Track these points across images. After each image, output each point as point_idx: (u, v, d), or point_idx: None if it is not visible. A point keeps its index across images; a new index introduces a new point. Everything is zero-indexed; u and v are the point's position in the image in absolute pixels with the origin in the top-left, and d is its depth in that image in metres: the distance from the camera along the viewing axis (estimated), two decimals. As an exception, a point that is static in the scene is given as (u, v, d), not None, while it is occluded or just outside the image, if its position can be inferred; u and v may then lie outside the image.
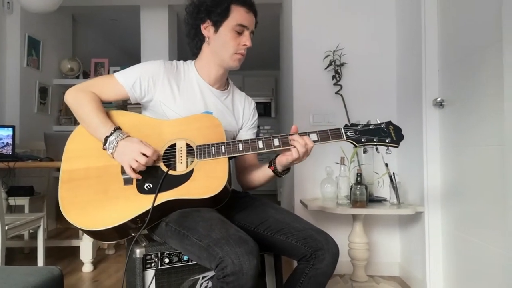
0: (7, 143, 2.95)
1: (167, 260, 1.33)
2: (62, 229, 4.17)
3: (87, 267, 2.80)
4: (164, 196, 1.27)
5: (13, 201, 3.12)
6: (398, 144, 1.35)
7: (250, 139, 1.34)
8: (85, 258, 2.78)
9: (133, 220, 1.26)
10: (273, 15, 4.35)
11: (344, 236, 2.37)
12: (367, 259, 2.38)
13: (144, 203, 1.27)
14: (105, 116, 1.36)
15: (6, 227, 2.21)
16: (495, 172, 1.70)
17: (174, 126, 1.39)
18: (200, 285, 1.37)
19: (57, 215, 4.17)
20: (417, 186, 2.40)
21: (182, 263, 1.35)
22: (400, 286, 2.41)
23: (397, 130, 1.37)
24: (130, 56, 6.00)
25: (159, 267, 1.32)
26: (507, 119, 1.55)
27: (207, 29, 1.46)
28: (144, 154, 1.27)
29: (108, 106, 3.53)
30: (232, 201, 1.42)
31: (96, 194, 1.29)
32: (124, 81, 1.41)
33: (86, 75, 4.59)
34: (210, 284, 1.38)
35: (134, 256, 1.31)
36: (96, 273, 2.79)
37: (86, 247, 2.77)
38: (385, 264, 2.76)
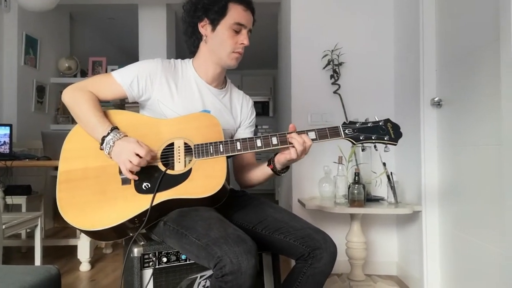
0: (5, 142, 2.94)
1: (165, 259, 1.33)
2: (60, 228, 4.16)
3: (85, 266, 2.79)
4: (162, 196, 1.27)
5: (10, 200, 3.11)
6: (397, 142, 1.35)
7: (248, 138, 1.34)
8: (82, 257, 2.77)
9: (131, 220, 1.26)
10: (272, 14, 4.34)
11: (342, 236, 2.37)
12: (364, 258, 2.38)
13: (142, 203, 1.26)
14: (102, 116, 1.35)
15: (3, 226, 2.20)
16: (492, 172, 1.71)
17: (172, 125, 1.39)
18: (198, 284, 1.37)
19: (55, 214, 4.16)
20: (414, 186, 2.41)
21: (180, 262, 1.35)
22: (397, 285, 2.42)
23: (396, 127, 1.36)
24: (128, 55, 5.98)
25: (157, 266, 1.32)
26: (504, 118, 1.55)
27: (204, 28, 1.46)
28: (138, 155, 1.26)
29: (106, 105, 3.53)
30: (231, 200, 1.42)
31: (94, 194, 1.29)
32: (122, 80, 1.41)
33: (84, 74, 4.57)
34: (208, 283, 1.38)
35: (132, 255, 1.30)
36: (93, 272, 2.78)
37: (83, 246, 2.76)
38: (382, 263, 2.76)
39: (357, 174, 2.23)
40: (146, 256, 1.31)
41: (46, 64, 4.38)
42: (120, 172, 1.30)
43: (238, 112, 1.60)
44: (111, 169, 1.31)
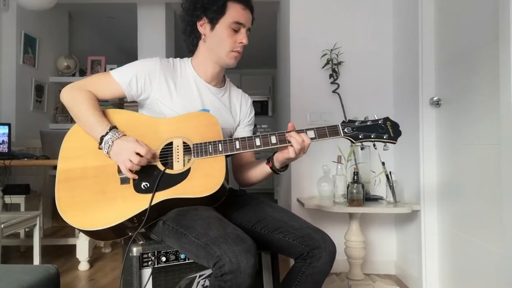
0: (3, 141, 2.93)
1: (164, 259, 1.33)
2: (58, 227, 4.15)
3: (84, 266, 2.79)
4: (161, 195, 1.27)
5: (8, 199, 3.11)
6: (396, 140, 1.34)
7: (247, 137, 1.33)
8: (81, 257, 2.77)
9: (130, 220, 1.25)
10: (271, 13, 4.34)
11: (340, 235, 2.37)
12: (363, 257, 2.39)
13: (141, 202, 1.26)
14: (101, 115, 1.35)
15: (2, 226, 2.20)
16: (491, 171, 1.71)
17: (171, 124, 1.38)
18: (197, 284, 1.37)
19: (53, 213, 4.15)
20: (413, 185, 2.41)
21: (179, 262, 1.35)
22: (396, 285, 2.42)
23: (395, 126, 1.36)
24: (127, 54, 5.97)
25: (156, 266, 1.32)
26: (503, 118, 1.55)
27: (203, 26, 1.45)
28: (138, 154, 1.26)
29: (104, 104, 3.53)
30: (230, 200, 1.42)
31: (93, 194, 1.29)
32: (120, 79, 1.40)
33: (83, 73, 4.57)
34: (207, 283, 1.37)
35: (131, 254, 1.30)
36: (92, 271, 2.78)
37: (82, 246, 2.76)
38: (381, 263, 2.76)
39: (356, 173, 2.24)
40: (145, 256, 1.31)
41: (45, 63, 4.37)
42: (119, 172, 1.30)
43: (237, 110, 1.59)
44: (110, 169, 1.31)
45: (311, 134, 1.33)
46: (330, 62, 2.73)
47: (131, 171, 1.27)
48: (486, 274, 1.77)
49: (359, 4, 2.81)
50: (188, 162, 1.32)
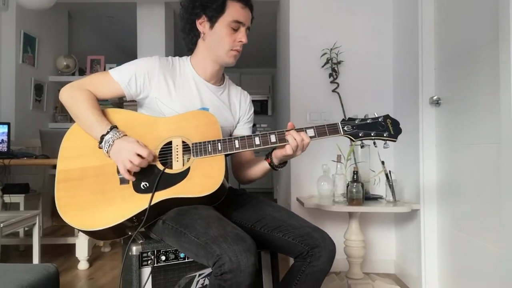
0: (2, 140, 2.93)
1: (163, 258, 1.33)
2: (58, 226, 4.15)
3: (83, 265, 2.79)
4: (161, 195, 1.26)
5: (8, 198, 3.11)
6: (396, 138, 1.34)
7: (247, 136, 1.33)
8: (80, 256, 2.77)
9: (130, 220, 1.25)
10: (270, 12, 4.34)
11: (340, 234, 2.37)
12: (363, 256, 2.39)
13: (140, 202, 1.26)
14: (101, 114, 1.34)
15: (1, 225, 2.20)
16: (490, 170, 1.71)
17: (170, 123, 1.38)
18: (197, 283, 1.37)
19: (53, 212, 4.15)
20: (413, 184, 2.41)
21: (178, 261, 1.35)
22: (395, 284, 2.42)
23: (395, 123, 1.35)
24: (126, 53, 5.97)
25: (155, 265, 1.32)
26: (502, 117, 1.55)
27: (202, 25, 1.45)
28: (139, 155, 1.26)
29: (104, 104, 3.52)
30: (230, 199, 1.41)
31: (93, 194, 1.28)
32: (120, 78, 1.40)
33: (82, 72, 4.56)
34: (206, 282, 1.38)
35: (130, 253, 1.30)
36: (91, 270, 2.78)
37: (81, 245, 2.76)
38: (380, 262, 2.77)
39: (355, 172, 2.24)
40: (145, 255, 1.31)
41: (44, 63, 4.37)
42: (118, 171, 1.30)
43: (237, 108, 1.59)
44: (110, 168, 1.31)
45: (311, 132, 1.32)
46: (330, 61, 2.73)
47: (129, 172, 1.27)
48: (485, 273, 1.77)
49: (359, 3, 2.81)
50: (187, 161, 1.31)
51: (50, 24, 4.49)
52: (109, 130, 1.29)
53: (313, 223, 1.37)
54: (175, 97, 1.44)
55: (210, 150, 1.30)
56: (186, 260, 1.36)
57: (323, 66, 2.77)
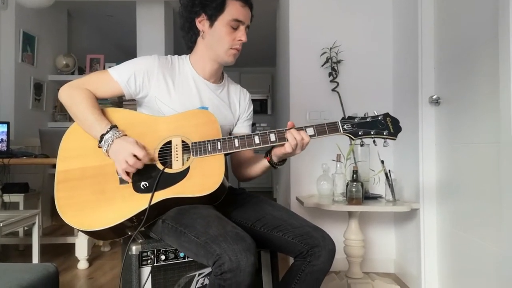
0: (2, 139, 2.93)
1: (163, 257, 1.33)
2: (57, 226, 4.15)
3: (83, 264, 2.79)
4: (160, 195, 1.26)
5: (7, 198, 3.11)
6: (396, 136, 1.34)
7: (246, 135, 1.33)
8: (80, 255, 2.77)
9: (130, 220, 1.25)
10: (270, 11, 4.34)
11: (339, 233, 2.37)
12: (362, 256, 2.39)
13: (140, 202, 1.26)
14: (100, 114, 1.34)
15: (1, 224, 2.20)
16: (490, 169, 1.71)
17: (170, 122, 1.38)
18: (196, 282, 1.37)
19: (52, 212, 4.15)
20: (412, 183, 2.41)
21: (178, 260, 1.35)
22: (395, 283, 2.42)
23: (395, 122, 1.35)
24: (126, 52, 5.96)
25: (155, 264, 1.32)
26: (502, 116, 1.55)
27: (202, 23, 1.44)
28: (135, 156, 1.25)
29: (103, 103, 3.52)
30: (229, 198, 1.42)
31: (93, 194, 1.28)
32: (119, 77, 1.40)
33: (82, 71, 4.56)
34: (206, 281, 1.37)
35: (130, 253, 1.30)
36: (91, 270, 2.78)
37: (81, 244, 2.76)
38: (380, 261, 2.77)
39: (355, 172, 2.24)
40: (145, 254, 1.31)
41: (44, 62, 4.36)
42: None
43: (236, 106, 1.59)
44: (109, 168, 1.31)
45: (311, 131, 1.32)
46: (330, 60, 2.73)
47: (127, 172, 1.27)
48: (484, 272, 1.78)
49: (358, 2, 2.81)
50: (187, 161, 1.31)
51: (50, 23, 4.48)
52: (109, 129, 1.29)
53: (313, 223, 1.37)
54: (175, 96, 1.43)
55: (209, 150, 1.30)
56: (186, 260, 1.36)
57: (322, 65, 2.76)
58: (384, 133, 1.33)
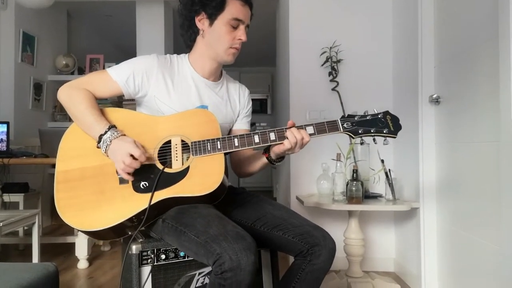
0: (2, 139, 2.93)
1: (163, 256, 1.33)
2: (57, 225, 4.15)
3: (83, 264, 2.79)
4: (160, 195, 1.26)
5: (7, 197, 3.11)
6: (396, 134, 1.33)
7: (246, 134, 1.33)
8: (80, 255, 2.77)
9: (130, 220, 1.25)
10: (270, 11, 4.33)
11: (339, 232, 2.37)
12: (362, 255, 2.39)
13: (140, 202, 1.26)
14: (99, 114, 1.34)
15: (1, 224, 2.20)
16: (490, 168, 1.71)
17: (169, 122, 1.37)
18: (197, 281, 1.37)
19: (52, 211, 4.15)
20: (412, 182, 2.41)
21: (178, 259, 1.35)
22: (395, 282, 2.42)
23: (395, 120, 1.35)
24: (125, 52, 5.95)
25: (155, 263, 1.32)
26: (502, 115, 1.55)
27: (201, 22, 1.44)
28: (132, 156, 1.25)
29: (103, 103, 3.52)
30: (229, 197, 1.41)
31: (92, 194, 1.28)
32: (118, 77, 1.39)
33: (81, 71, 4.56)
34: (206, 280, 1.38)
35: (130, 252, 1.30)
36: (91, 269, 2.78)
37: (81, 244, 2.76)
38: (380, 260, 2.77)
39: (355, 171, 2.24)
40: (145, 253, 1.31)
41: (43, 62, 4.36)
42: (118, 171, 1.30)
43: (236, 102, 1.59)
44: (109, 168, 1.31)
45: (310, 130, 1.32)
46: (330, 60, 2.73)
47: (127, 172, 1.27)
48: (484, 271, 1.78)
49: (358, 2, 2.81)
50: (187, 160, 1.31)
51: (49, 23, 4.48)
52: (107, 129, 1.29)
53: (313, 222, 1.37)
54: (174, 95, 1.43)
55: (209, 149, 1.30)
56: (186, 259, 1.36)
57: (322, 65, 2.76)
58: (384, 131, 1.33)
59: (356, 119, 1.33)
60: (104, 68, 4.45)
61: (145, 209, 1.24)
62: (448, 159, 2.12)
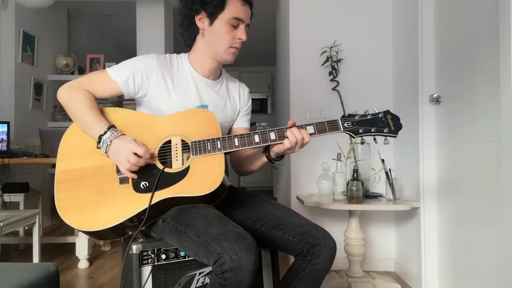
0: (2, 139, 2.93)
1: (163, 256, 1.33)
2: (57, 225, 4.15)
3: (83, 264, 2.79)
4: (161, 195, 1.26)
5: (8, 197, 3.11)
6: (397, 134, 1.33)
7: (246, 134, 1.33)
8: (80, 255, 2.77)
9: (130, 220, 1.25)
10: (270, 10, 4.33)
11: (340, 232, 2.37)
12: (363, 254, 2.39)
13: (140, 202, 1.26)
14: (99, 114, 1.33)
15: (1, 224, 2.20)
16: (490, 168, 1.71)
17: (169, 122, 1.37)
18: (197, 281, 1.37)
19: (53, 211, 4.15)
20: (413, 182, 2.41)
21: (179, 259, 1.35)
22: (395, 282, 2.42)
23: (395, 119, 1.34)
24: (126, 52, 5.94)
25: (155, 263, 1.32)
26: (502, 115, 1.55)
27: (201, 21, 1.44)
28: (136, 154, 1.25)
29: (103, 102, 3.52)
30: (230, 197, 1.41)
31: (92, 194, 1.28)
32: (117, 77, 1.39)
33: (82, 71, 4.56)
34: (206, 280, 1.37)
35: (130, 252, 1.30)
36: (92, 269, 2.78)
37: (81, 244, 2.76)
38: (380, 260, 2.77)
39: (355, 170, 2.24)
40: (145, 253, 1.31)
41: (44, 61, 4.36)
42: (118, 171, 1.29)
43: (236, 100, 1.59)
44: (109, 168, 1.31)
45: (311, 129, 1.32)
46: (330, 59, 2.73)
47: (130, 171, 1.27)
48: (484, 271, 1.78)
49: (359, 3, 2.81)
50: (187, 160, 1.31)
51: (50, 22, 4.48)
52: (106, 130, 1.29)
53: (313, 222, 1.37)
54: (174, 95, 1.43)
55: (209, 149, 1.30)
56: (187, 259, 1.36)
57: (323, 64, 2.76)
58: (385, 131, 1.32)
59: (356, 118, 1.33)
60: (104, 67, 4.45)
61: (145, 209, 1.24)
62: (448, 158, 2.12)
